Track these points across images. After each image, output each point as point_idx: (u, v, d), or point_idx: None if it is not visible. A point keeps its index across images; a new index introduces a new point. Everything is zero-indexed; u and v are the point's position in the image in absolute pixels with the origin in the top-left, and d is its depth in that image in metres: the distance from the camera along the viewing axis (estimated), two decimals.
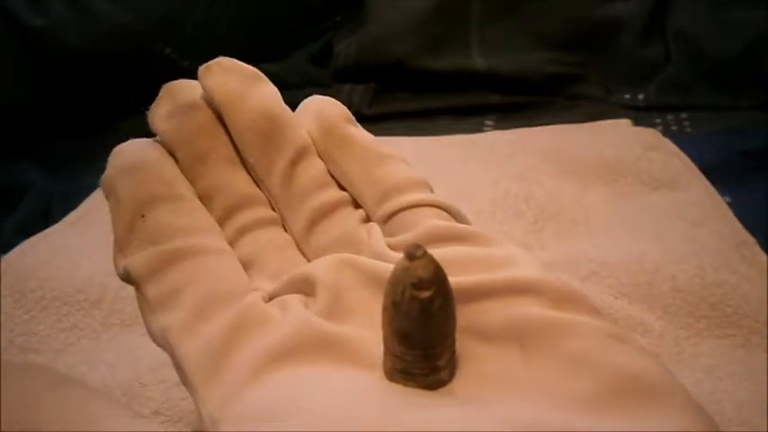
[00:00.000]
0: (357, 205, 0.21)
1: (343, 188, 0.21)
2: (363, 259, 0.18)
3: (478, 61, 0.61)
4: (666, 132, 0.51)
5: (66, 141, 0.56)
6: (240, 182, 0.21)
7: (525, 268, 0.17)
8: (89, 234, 0.41)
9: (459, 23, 0.62)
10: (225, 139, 0.21)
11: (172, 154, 0.21)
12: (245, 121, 0.20)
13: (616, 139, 0.48)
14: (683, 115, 0.55)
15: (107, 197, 0.20)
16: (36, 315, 0.35)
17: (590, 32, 0.62)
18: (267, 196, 0.21)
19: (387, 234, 0.19)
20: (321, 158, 0.21)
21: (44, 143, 0.56)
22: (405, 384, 0.15)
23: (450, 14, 0.63)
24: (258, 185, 0.21)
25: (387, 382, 0.15)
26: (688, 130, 0.54)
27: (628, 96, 0.59)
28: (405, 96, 0.61)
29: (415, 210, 0.19)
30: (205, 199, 0.20)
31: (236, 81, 0.21)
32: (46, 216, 0.47)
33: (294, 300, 0.17)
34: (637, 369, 0.14)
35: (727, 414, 0.27)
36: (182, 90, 0.21)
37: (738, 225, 0.38)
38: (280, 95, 0.21)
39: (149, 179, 0.19)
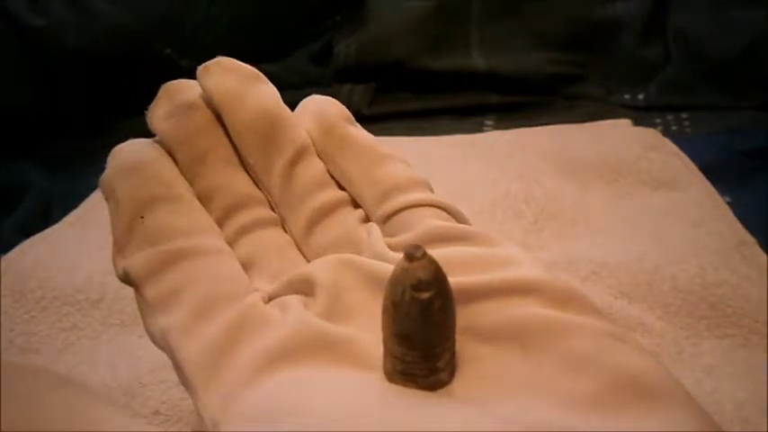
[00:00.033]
0: (357, 205, 0.21)
1: (342, 188, 0.21)
2: (363, 260, 0.18)
3: (478, 61, 0.61)
4: (666, 132, 0.51)
5: (66, 141, 0.56)
6: (239, 182, 0.20)
7: (525, 268, 0.17)
8: (89, 234, 0.41)
9: (459, 23, 0.62)
10: (224, 139, 0.21)
11: (171, 154, 0.21)
12: (245, 121, 0.20)
13: (616, 139, 0.48)
14: (683, 115, 0.55)
15: (106, 198, 0.20)
16: (36, 315, 0.35)
17: (590, 32, 0.62)
18: (266, 196, 0.21)
19: (386, 234, 0.19)
20: (320, 158, 0.21)
21: (44, 143, 0.56)
22: (405, 385, 0.15)
23: (450, 14, 0.63)
24: (257, 185, 0.21)
25: (387, 383, 0.15)
26: (688, 130, 0.54)
27: (628, 96, 0.59)
28: (405, 96, 0.61)
29: (414, 210, 0.19)
30: (204, 199, 0.20)
31: (235, 81, 0.21)
32: (46, 216, 0.47)
33: (294, 300, 0.17)
34: (637, 369, 0.14)
35: (727, 414, 0.27)
36: (180, 90, 0.21)
37: (738, 225, 0.38)
38: (279, 95, 0.21)
39: (148, 180, 0.19)
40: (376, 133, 0.22)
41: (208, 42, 0.60)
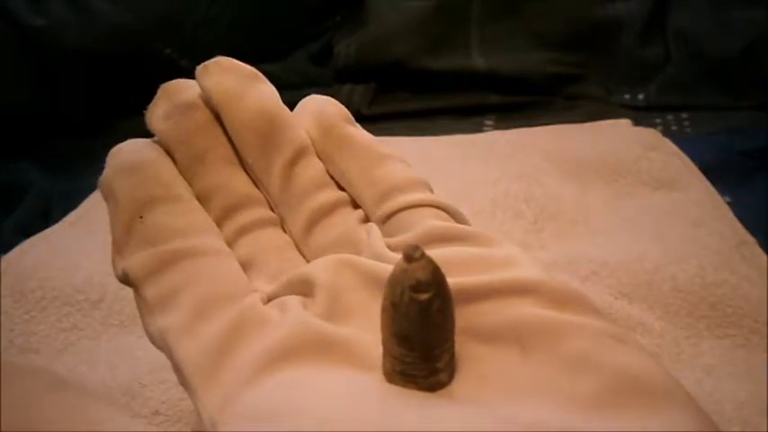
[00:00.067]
0: (356, 205, 0.20)
1: (341, 188, 0.21)
2: (362, 260, 0.18)
3: (478, 61, 0.61)
4: (666, 132, 0.51)
5: (66, 141, 0.56)
6: (239, 182, 0.20)
7: (525, 269, 0.17)
8: (89, 234, 0.41)
9: (459, 23, 0.62)
10: (223, 139, 0.21)
11: (170, 154, 0.20)
12: (244, 121, 0.20)
13: (616, 139, 0.48)
14: (683, 115, 0.55)
15: (105, 198, 0.20)
16: (36, 315, 0.35)
17: (590, 32, 0.62)
18: (266, 196, 0.21)
19: (386, 234, 0.19)
20: (320, 158, 0.21)
21: (44, 143, 0.56)
22: (404, 386, 0.15)
23: (450, 14, 0.62)
24: (257, 185, 0.21)
25: (386, 383, 0.15)
26: (688, 130, 0.54)
27: (628, 96, 0.59)
28: (405, 96, 0.61)
29: (414, 210, 0.19)
30: (203, 199, 0.20)
31: (234, 80, 0.21)
32: (46, 216, 0.47)
33: (293, 301, 0.17)
34: (637, 369, 0.14)
35: (727, 414, 0.27)
36: (179, 90, 0.21)
37: (738, 225, 0.38)
38: (278, 95, 0.21)
39: (147, 180, 0.19)
40: (376, 133, 0.22)
41: (208, 42, 0.60)
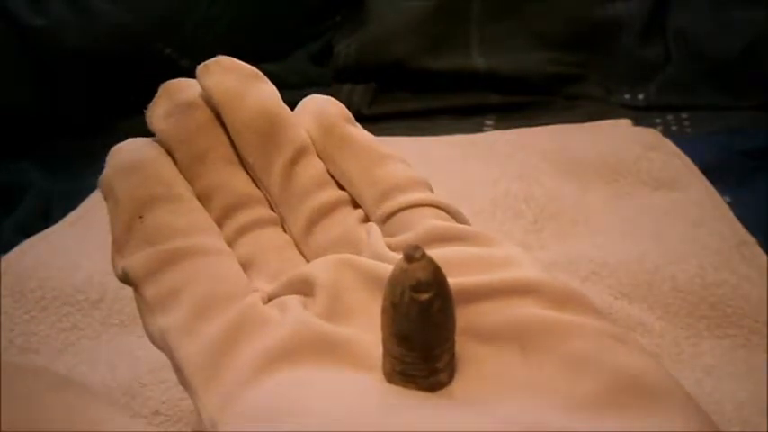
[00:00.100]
0: (356, 205, 0.20)
1: (342, 188, 0.21)
2: (363, 260, 0.18)
3: (478, 61, 0.61)
4: (666, 132, 0.51)
5: (66, 141, 0.56)
6: (239, 181, 0.20)
7: (525, 269, 0.17)
8: (89, 234, 0.41)
9: (459, 23, 0.62)
10: (223, 138, 0.21)
11: (170, 153, 0.20)
12: (244, 121, 0.20)
13: (616, 139, 0.48)
14: (683, 115, 0.55)
15: (105, 197, 0.20)
16: (36, 315, 0.35)
17: (590, 32, 0.62)
18: (266, 196, 0.21)
19: (386, 234, 0.19)
20: (320, 158, 0.21)
21: (44, 143, 0.56)
22: (404, 386, 0.15)
23: (450, 14, 0.63)
24: (257, 185, 0.21)
25: (386, 383, 0.15)
26: (688, 130, 0.54)
27: (628, 96, 0.59)
28: (405, 96, 0.61)
29: (414, 210, 0.19)
30: (204, 199, 0.20)
31: (234, 80, 0.21)
32: (46, 216, 0.47)
33: (293, 300, 0.17)
34: (637, 369, 0.14)
35: (727, 414, 0.27)
36: (180, 89, 0.21)
37: (738, 225, 0.38)
38: (279, 94, 0.21)
39: (147, 179, 0.19)
40: (376, 133, 0.22)
41: (208, 42, 0.60)
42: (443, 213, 0.19)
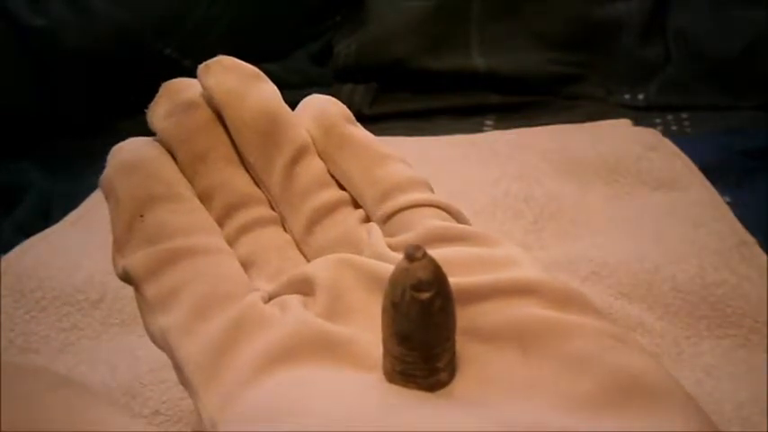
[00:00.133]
0: (357, 205, 0.20)
1: (342, 188, 0.21)
2: (363, 259, 0.18)
3: (478, 61, 0.61)
4: (666, 132, 0.51)
5: (66, 141, 0.56)
6: (240, 181, 0.20)
7: (525, 269, 0.17)
8: (89, 234, 0.40)
9: (459, 23, 0.62)
10: (224, 137, 0.21)
11: (171, 153, 0.21)
12: (245, 120, 0.20)
13: (616, 139, 0.48)
14: (683, 115, 0.55)
15: (106, 196, 0.20)
16: (36, 315, 0.35)
17: (590, 32, 0.62)
18: (267, 195, 0.21)
19: (387, 234, 0.19)
20: (321, 158, 0.21)
21: (44, 143, 0.56)
22: (404, 386, 0.15)
23: (450, 14, 0.63)
24: (258, 185, 0.21)
25: (386, 383, 0.15)
26: (688, 130, 0.54)
27: (628, 96, 0.59)
28: (405, 96, 0.61)
29: (414, 210, 0.19)
30: (204, 198, 0.20)
31: (235, 80, 0.21)
32: (46, 216, 0.47)
33: (293, 300, 0.17)
34: (637, 370, 0.14)
35: (727, 414, 0.27)
36: (181, 89, 0.21)
37: (738, 225, 0.38)
38: (279, 94, 0.21)
39: (148, 178, 0.19)
40: (376, 133, 0.22)
41: (208, 42, 0.60)
42: (444, 213, 0.20)
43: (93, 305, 0.35)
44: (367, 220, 0.20)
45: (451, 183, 0.42)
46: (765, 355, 0.31)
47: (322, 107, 0.22)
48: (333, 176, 0.21)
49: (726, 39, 0.57)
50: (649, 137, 0.48)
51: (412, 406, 0.14)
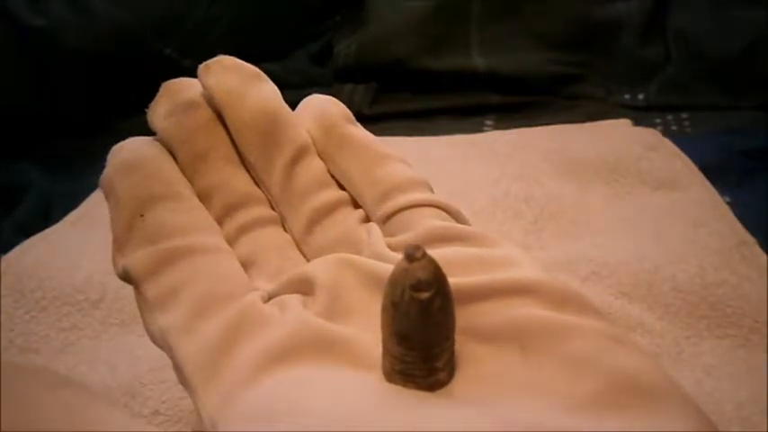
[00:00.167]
0: (357, 205, 0.21)
1: (342, 188, 0.21)
2: (363, 259, 0.18)
3: (478, 61, 0.61)
4: (666, 132, 0.51)
5: (66, 141, 0.56)
6: (240, 181, 0.20)
7: (525, 269, 0.17)
8: (89, 234, 0.40)
9: (459, 23, 0.62)
10: (224, 137, 0.21)
11: (171, 153, 0.21)
12: (245, 120, 0.20)
13: (616, 139, 0.48)
14: (683, 115, 0.55)
15: (106, 196, 0.20)
16: (36, 315, 0.35)
17: (590, 32, 0.62)
18: (267, 195, 0.21)
19: (386, 234, 0.19)
20: (321, 158, 0.21)
21: (44, 143, 0.56)
22: (404, 385, 0.15)
23: (450, 14, 0.63)
24: (258, 184, 0.21)
25: (386, 383, 0.15)
26: (688, 130, 0.54)
27: (628, 96, 0.59)
28: (405, 96, 0.61)
29: (414, 210, 0.19)
30: (204, 198, 0.20)
31: (236, 79, 0.21)
32: (46, 216, 0.47)
33: (293, 300, 0.17)
34: (635, 370, 0.14)
35: (727, 414, 0.27)
36: (181, 88, 0.21)
37: (738, 225, 0.38)
38: (280, 94, 0.21)
39: (148, 178, 0.19)
40: (376, 133, 0.22)
41: (208, 42, 0.60)
42: (443, 213, 0.20)
43: (92, 305, 0.35)
44: (367, 220, 0.20)
45: (451, 183, 0.42)
46: (765, 355, 0.31)
47: (322, 107, 0.22)
48: (333, 176, 0.21)
49: (726, 39, 0.57)
50: (649, 137, 0.48)
51: (411, 405, 0.14)
